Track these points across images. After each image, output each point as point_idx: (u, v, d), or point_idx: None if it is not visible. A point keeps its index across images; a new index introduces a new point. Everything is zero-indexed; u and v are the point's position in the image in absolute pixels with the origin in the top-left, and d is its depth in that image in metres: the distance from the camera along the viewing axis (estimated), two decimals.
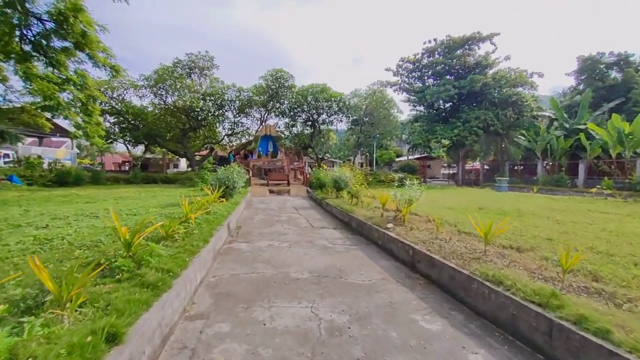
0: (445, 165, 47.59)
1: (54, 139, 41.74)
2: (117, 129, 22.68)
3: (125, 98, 22.63)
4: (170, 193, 13.10)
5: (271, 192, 16.36)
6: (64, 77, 9.59)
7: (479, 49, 30.84)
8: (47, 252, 3.93)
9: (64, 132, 34.81)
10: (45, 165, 19.94)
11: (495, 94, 28.42)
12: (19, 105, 13.97)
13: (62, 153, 39.37)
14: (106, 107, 22.22)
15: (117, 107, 21.56)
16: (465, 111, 28.58)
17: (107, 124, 24.14)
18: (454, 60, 30.96)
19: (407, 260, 4.66)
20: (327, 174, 14.53)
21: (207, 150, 25.66)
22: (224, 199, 8.68)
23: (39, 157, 20.45)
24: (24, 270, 3.16)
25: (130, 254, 3.24)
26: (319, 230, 7.41)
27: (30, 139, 42.36)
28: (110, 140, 23.44)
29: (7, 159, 25.11)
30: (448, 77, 31.65)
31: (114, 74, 10.80)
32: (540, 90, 29.46)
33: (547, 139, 23.00)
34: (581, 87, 31.57)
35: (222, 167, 9.62)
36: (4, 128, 19.44)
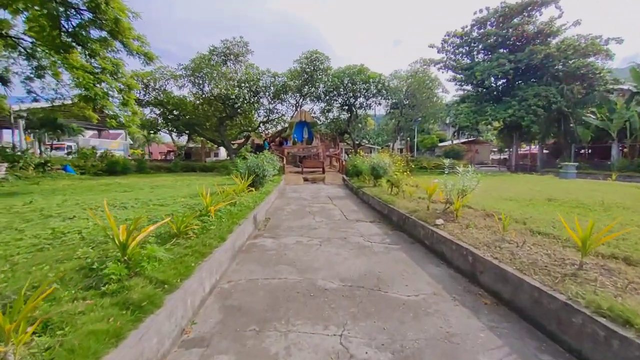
0: (494, 149, 43.61)
1: (111, 131, 45.41)
2: (160, 120, 23.54)
3: (166, 89, 23.29)
4: (205, 181, 13.06)
5: (305, 180, 15.80)
6: (100, 67, 9.66)
7: (540, 15, 26.97)
8: (55, 248, 3.62)
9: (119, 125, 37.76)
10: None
11: (560, 67, 24.80)
12: (70, 100, 14.69)
13: (115, 144, 42.58)
14: (150, 99, 23.11)
15: (159, 97, 22.26)
16: (522, 88, 25.41)
17: (153, 115, 25.27)
18: (510, 31, 27.44)
19: (464, 268, 3.70)
20: (364, 161, 13.57)
21: (244, 139, 25.82)
22: (253, 188, 8.21)
23: (93, 148, 21.89)
24: (16, 271, 2.80)
25: (125, 257, 2.72)
26: (354, 224, 6.61)
27: (90, 132, 46.51)
28: (154, 131, 24.48)
29: (67, 150, 27.37)
30: (502, 50, 28.33)
31: (148, 61, 10.67)
32: (610, 63, 25.05)
33: (626, 117, 19.52)
34: None
35: (252, 155, 9.15)
36: (63, 122, 21.03)
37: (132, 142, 46.54)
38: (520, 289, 2.75)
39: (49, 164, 14.68)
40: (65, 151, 25.12)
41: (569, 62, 23.98)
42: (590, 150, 23.46)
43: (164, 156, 38.83)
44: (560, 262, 3.03)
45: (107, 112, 10.41)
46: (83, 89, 9.84)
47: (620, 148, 20.46)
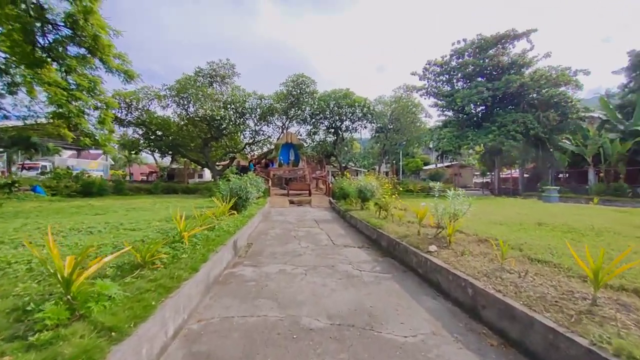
0: (477, 173, 44.74)
1: (92, 151, 43.90)
2: (141, 140, 22.88)
3: (150, 108, 22.86)
4: (186, 204, 12.45)
5: (291, 202, 15.38)
6: (75, 84, 9.25)
7: (513, 47, 28.69)
8: None
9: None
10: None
11: (534, 95, 26.13)
12: (44, 118, 14.04)
13: (95, 164, 41.10)
14: (132, 119, 22.56)
15: (141, 118, 21.76)
16: (500, 114, 26.42)
17: (136, 135, 24.58)
18: (486, 61, 28.97)
19: (464, 301, 3.37)
20: (350, 183, 13.38)
21: (229, 160, 25.35)
22: (235, 212, 7.75)
23: (68, 168, 20.88)
24: None
25: (69, 296, 2.25)
26: (342, 249, 6.23)
27: (69, 152, 44.87)
28: (134, 151, 23.71)
29: (42, 170, 26.03)
30: (480, 79, 29.68)
31: (128, 79, 10.35)
32: (579, 92, 26.69)
33: (599, 143, 20.44)
34: (632, 84, 28.30)
35: (236, 176, 8.77)
36: (37, 140, 20.07)
37: (113, 163, 45.10)
38: (531, 328, 2.43)
39: (16, 185, 13.71)
40: (39, 171, 23.86)
41: (543, 91, 25.29)
42: (567, 175, 24.25)
43: (145, 177, 37.64)
44: (569, 295, 2.76)
45: (82, 130, 9.83)
46: (56, 105, 9.36)
47: (596, 172, 21.21)
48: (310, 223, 9.75)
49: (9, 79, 12.11)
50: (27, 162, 26.72)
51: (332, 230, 8.51)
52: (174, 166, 36.47)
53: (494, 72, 29.49)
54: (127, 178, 35.35)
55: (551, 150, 24.87)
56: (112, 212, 9.65)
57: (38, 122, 14.65)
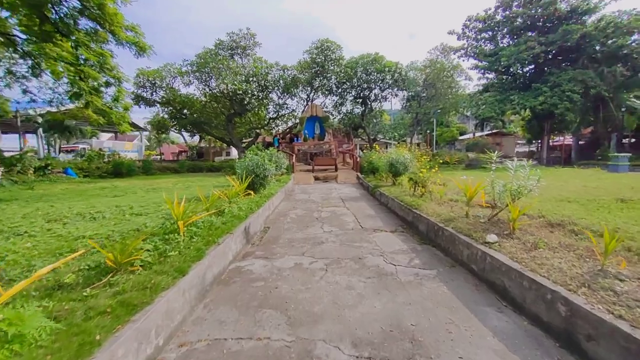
0: (520, 142, 40.89)
1: (129, 133, 45.78)
2: (167, 119, 22.85)
3: (174, 86, 22.54)
4: (207, 183, 12.08)
5: (316, 179, 14.54)
6: (84, 58, 8.72)
7: None
8: None
9: (135, 127, 37.73)
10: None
11: (598, 48, 22.31)
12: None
13: (130, 146, 42.75)
14: (157, 98, 22.45)
15: (165, 96, 21.55)
16: (554, 73, 23.08)
17: (164, 115, 24.63)
18: (539, 10, 25.08)
19: (551, 322, 2.33)
20: (380, 157, 12.21)
21: (254, 136, 24.82)
22: (251, 192, 7.02)
23: (100, 150, 21.45)
24: None
25: None
26: (371, 234, 5.29)
27: (108, 135, 47.07)
28: (161, 131, 23.87)
29: (79, 153, 27.21)
30: (530, 34, 25.89)
31: (140, 52, 9.68)
32: None
33: None
34: None
35: (252, 152, 7.98)
36: (70, 124, 20.66)
37: (148, 144, 46.78)
38: None
39: (49, 167, 14.12)
40: (73, 154, 24.85)
41: (609, 41, 21.47)
42: (634, 140, 20.93)
43: (175, 157, 38.60)
44: None
45: (95, 109, 9.44)
46: (69, 84, 8.97)
47: None
48: (336, 202, 8.86)
49: (32, 61, 12.05)
50: (65, 145, 28.02)
51: (359, 210, 7.57)
52: (202, 145, 36.89)
53: (547, 24, 25.59)
54: (158, 158, 36.43)
55: (615, 111, 21.43)
56: (131, 194, 9.40)
57: (64, 105, 14.68)
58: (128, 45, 9.23)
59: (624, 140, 21.88)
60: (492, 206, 4.71)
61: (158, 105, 23.08)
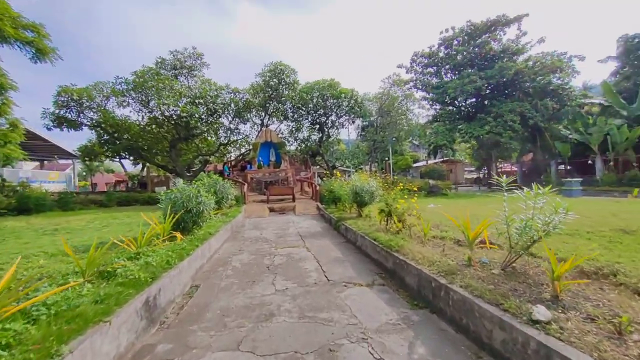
0: (467, 169, 43.47)
1: (61, 161, 39.76)
2: (96, 145, 19.65)
3: (108, 107, 19.68)
4: (134, 220, 9.73)
5: (272, 210, 12.85)
6: None
7: (504, 34, 27.22)
8: None
9: (65, 154, 32.69)
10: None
11: (529, 84, 24.56)
12: None
13: (55, 175, 37.01)
14: (85, 120, 19.37)
15: (94, 118, 18.61)
16: (496, 105, 24.75)
17: (93, 141, 21.22)
18: (476, 50, 27.38)
19: None
20: (342, 185, 11.00)
21: (203, 164, 22.44)
22: (177, 234, 5.17)
23: (2, 179, 17.51)
24: None
25: None
26: (343, 292, 3.81)
27: (34, 163, 40.52)
28: (89, 158, 20.49)
29: None
30: (470, 70, 27.97)
31: (39, 56, 7.60)
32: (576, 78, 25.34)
33: (605, 130, 18.93)
34: (626, 69, 27.27)
35: (185, 182, 6.19)
36: None
37: (84, 173, 40.96)
38: None
39: None
40: None
41: (538, 78, 23.79)
42: (569, 166, 22.74)
43: (112, 187, 34.05)
44: None
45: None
46: None
47: (604, 162, 19.70)
48: (294, 239, 7.28)
49: None
50: None
51: (323, 251, 6.08)
52: (145, 174, 33.06)
53: (484, 62, 27.90)
54: (90, 189, 31.80)
55: (550, 140, 23.31)
56: (13, 240, 6.86)
57: None
58: (20, 45, 7.14)
59: (559, 167, 23.68)
60: (511, 251, 3.55)
61: (87, 128, 19.92)
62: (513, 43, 26.15)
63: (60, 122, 18.87)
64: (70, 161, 35.62)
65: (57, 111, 18.44)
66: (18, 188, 16.19)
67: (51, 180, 33.71)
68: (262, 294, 3.82)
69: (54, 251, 4.99)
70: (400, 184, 8.89)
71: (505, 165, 30.66)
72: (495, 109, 24.35)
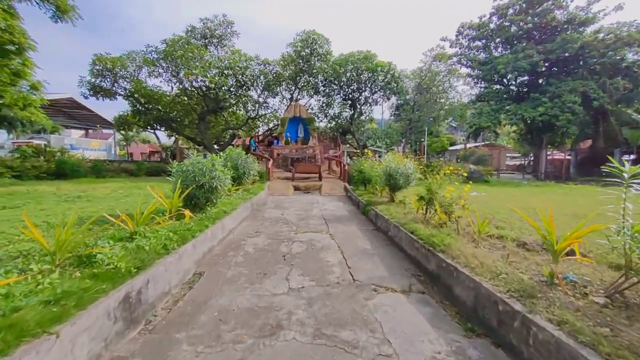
0: (509, 155, 40.10)
1: (105, 130, 41.95)
2: (129, 115, 19.92)
3: (140, 77, 19.71)
4: (161, 190, 9.52)
5: (296, 189, 12.23)
6: None
7: (571, 1, 23.46)
8: None
9: (107, 124, 34.19)
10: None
11: (597, 59, 21.22)
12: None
13: (97, 144, 39.04)
14: (118, 89, 19.59)
15: (127, 87, 18.73)
16: (553, 83, 21.84)
17: (127, 111, 21.54)
18: (535, 19, 24.02)
19: None
20: (373, 166, 10.03)
21: (230, 137, 22.21)
22: (186, 212, 4.60)
23: (45, 145, 18.37)
24: None
25: None
26: (371, 300, 3.03)
27: (80, 131, 43.18)
28: (123, 128, 20.91)
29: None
30: (525, 43, 24.72)
31: (59, 14, 7.18)
32: None
33: None
34: None
35: (193, 154, 5.59)
36: (8, 113, 17.50)
37: (124, 143, 42.90)
38: None
39: None
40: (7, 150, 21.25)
41: (609, 53, 20.43)
42: (635, 156, 19.76)
43: (147, 157, 35.37)
44: None
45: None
46: None
47: None
48: (317, 223, 6.56)
49: None
50: (16, 140, 24.53)
51: (349, 239, 5.30)
52: (176, 145, 33.86)
53: (544, 34, 24.53)
54: (127, 158, 33.23)
55: (616, 125, 20.29)
56: (35, 204, 6.78)
57: None
58: (38, 1, 6.69)
59: (624, 157, 20.70)
60: (628, 270, 2.54)
61: (121, 97, 20.20)
62: (582, 11, 22.55)
63: (96, 90, 19.21)
64: (112, 130, 37.24)
65: (92, 80, 18.71)
66: (58, 153, 16.90)
67: (93, 148, 35.66)
68: (273, 293, 3.14)
69: (59, 222, 4.65)
70: (448, 168, 7.57)
71: (554, 152, 27.58)
72: (553, 88, 21.47)
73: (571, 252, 2.86)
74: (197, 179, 5.04)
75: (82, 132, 41.72)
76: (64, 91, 26.35)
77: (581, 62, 22.09)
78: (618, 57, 20.24)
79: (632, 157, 20.47)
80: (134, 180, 13.76)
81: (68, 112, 33.41)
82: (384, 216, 5.84)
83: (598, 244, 3.20)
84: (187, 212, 4.56)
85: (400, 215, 5.62)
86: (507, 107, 23.96)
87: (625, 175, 2.26)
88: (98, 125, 39.06)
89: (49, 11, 7.39)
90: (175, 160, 5.40)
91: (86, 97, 19.50)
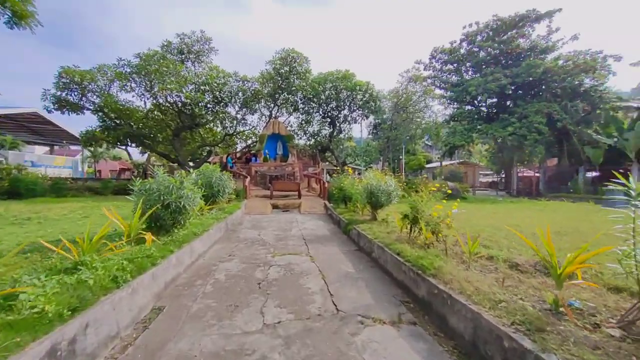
0: (482, 172, 41.65)
1: (73, 147, 39.48)
2: (97, 130, 18.78)
3: (112, 91, 18.78)
4: (123, 211, 8.73)
5: (275, 207, 11.76)
6: None
7: (533, 30, 25.39)
8: None
9: (74, 139, 32.19)
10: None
11: (558, 83, 22.75)
12: None
13: (61, 160, 36.67)
14: (86, 104, 18.54)
15: (96, 101, 17.76)
16: (520, 105, 23.11)
17: (94, 127, 20.31)
18: (501, 46, 25.68)
19: None
20: (354, 183, 9.83)
21: (207, 154, 21.47)
22: (147, 236, 4.07)
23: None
24: None
25: None
26: (358, 335, 2.66)
27: (45, 148, 40.47)
28: (89, 145, 19.64)
29: None
30: (493, 67, 26.24)
31: (16, 20, 6.62)
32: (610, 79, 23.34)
33: None
34: None
35: (159, 171, 5.10)
36: None
37: (94, 160, 40.53)
38: None
39: None
40: None
41: (569, 78, 22.00)
42: (600, 174, 20.94)
43: (117, 175, 33.58)
44: None
45: None
46: None
47: None
48: (296, 244, 6.14)
49: None
50: None
51: (331, 261, 4.93)
52: (152, 162, 32.44)
53: (510, 60, 26.18)
54: (94, 175, 31.35)
55: (579, 144, 21.56)
56: None
57: None
58: None
59: (587, 174, 21.96)
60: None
61: (89, 112, 19.12)
62: (543, 40, 24.40)
63: (61, 104, 18.07)
64: (80, 147, 35.21)
65: (58, 93, 17.64)
66: (13, 171, 15.51)
67: (57, 165, 33.39)
68: (244, 331, 2.69)
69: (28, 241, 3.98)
70: (434, 185, 7.33)
71: (524, 170, 28.86)
72: (520, 109, 22.71)
73: (572, 275, 2.65)
74: (162, 198, 4.54)
75: (47, 148, 39.26)
76: (32, 106, 24.88)
77: (544, 86, 23.62)
78: (576, 82, 21.78)
79: (595, 174, 21.76)
80: (97, 200, 12.72)
81: (32, 127, 31.40)
82: (367, 236, 5.54)
83: (601, 266, 3.04)
84: (148, 236, 4.03)
85: (383, 235, 5.34)
86: (479, 127, 25.00)
87: (633, 192, 2.08)
88: (64, 142, 36.93)
89: (3, 16, 6.82)
90: (138, 178, 4.85)
91: (49, 111, 18.30)
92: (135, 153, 35.32)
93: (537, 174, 24.89)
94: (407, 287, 3.68)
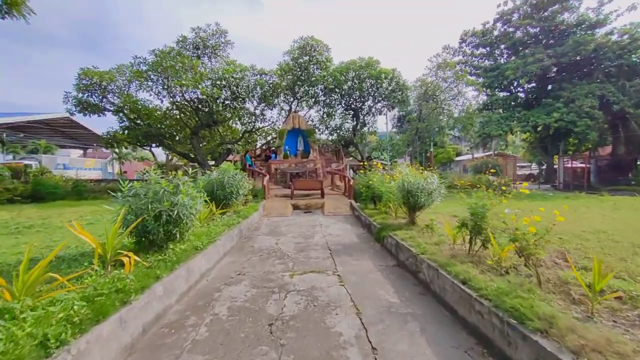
0: (520, 164, 38.58)
1: (105, 150, 40.95)
2: (119, 131, 18.69)
3: (130, 91, 18.56)
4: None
5: (296, 207, 10.75)
6: None
7: (580, 3, 22.48)
8: None
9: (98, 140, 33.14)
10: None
11: (612, 62, 19.99)
12: None
13: (91, 163, 37.91)
14: (108, 105, 18.46)
15: (114, 102, 17.58)
16: (566, 88, 20.57)
17: (116, 127, 20.26)
18: (542, 23, 23.05)
19: None
20: (383, 181, 8.58)
21: (226, 152, 20.92)
22: (131, 256, 3.15)
23: (20, 165, 17.12)
24: None
25: None
26: None
27: (79, 151, 42.26)
28: (111, 145, 19.63)
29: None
30: (533, 48, 23.64)
31: (7, 8, 5.98)
32: None
33: None
34: None
35: (159, 174, 4.20)
36: None
37: (124, 162, 41.78)
38: None
39: None
40: None
41: (627, 54, 19.23)
42: None
43: (142, 175, 34.08)
44: None
45: None
46: None
47: None
48: (320, 257, 5.06)
49: None
50: (5, 161, 23.41)
51: (365, 285, 3.80)
52: (173, 162, 32.68)
53: (551, 39, 23.51)
54: (118, 177, 31.88)
55: (638, 130, 18.87)
56: None
57: None
58: None
59: None
60: None
61: (110, 113, 19.06)
62: (593, 13, 21.54)
63: (83, 106, 18.06)
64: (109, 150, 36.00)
65: (79, 95, 17.61)
66: (36, 174, 15.62)
67: (87, 168, 34.51)
68: None
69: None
70: (501, 179, 5.95)
71: (567, 160, 26.05)
72: (567, 92, 20.20)
73: None
74: (149, 206, 3.59)
75: (82, 151, 40.90)
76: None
77: (595, 65, 20.91)
78: (635, 59, 19.03)
79: None
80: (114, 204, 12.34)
81: (66, 132, 32.60)
82: (410, 249, 4.35)
83: None
84: (126, 260, 3.08)
85: (432, 248, 4.13)
86: (518, 115, 22.69)
87: None
88: (95, 144, 38.19)
89: None
90: (127, 181, 3.94)
91: (72, 114, 18.36)
92: (161, 154, 35.78)
93: (585, 165, 22.18)
94: (485, 336, 2.47)
